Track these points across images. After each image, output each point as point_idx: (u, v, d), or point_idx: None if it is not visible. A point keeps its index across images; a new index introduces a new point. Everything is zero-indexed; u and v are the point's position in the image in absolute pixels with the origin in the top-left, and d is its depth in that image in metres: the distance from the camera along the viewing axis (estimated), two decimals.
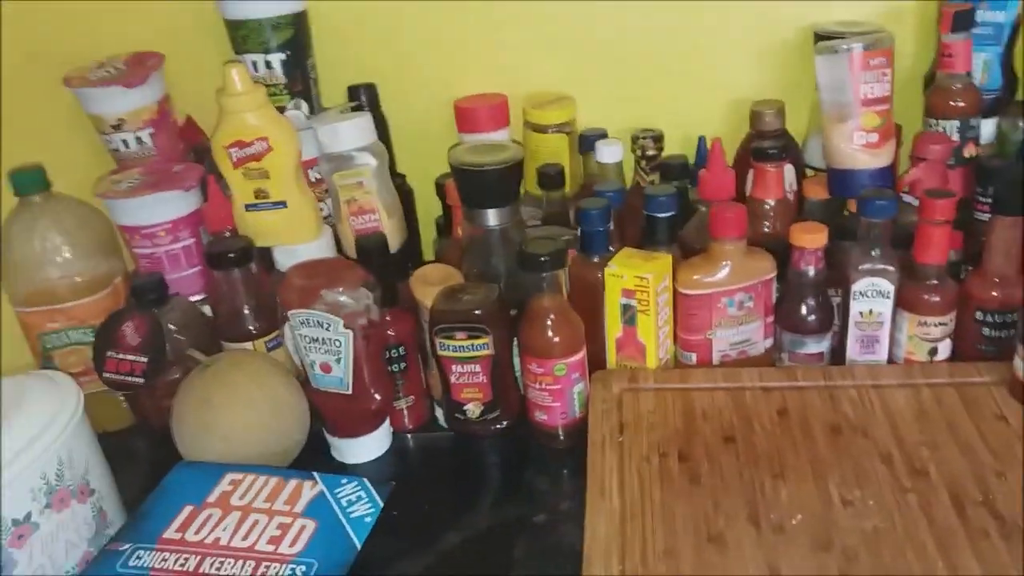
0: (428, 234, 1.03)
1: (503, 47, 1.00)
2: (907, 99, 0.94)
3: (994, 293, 0.79)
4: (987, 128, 0.93)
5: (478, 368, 0.75)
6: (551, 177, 0.91)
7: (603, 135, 0.96)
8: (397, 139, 0.99)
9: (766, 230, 0.88)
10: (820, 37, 0.90)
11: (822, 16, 0.95)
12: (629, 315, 0.80)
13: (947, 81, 0.86)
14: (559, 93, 0.99)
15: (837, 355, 0.84)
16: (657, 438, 0.74)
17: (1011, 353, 0.80)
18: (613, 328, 0.81)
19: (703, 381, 0.81)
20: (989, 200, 0.84)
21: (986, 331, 0.81)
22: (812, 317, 0.82)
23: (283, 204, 0.80)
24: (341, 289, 0.69)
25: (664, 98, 1.01)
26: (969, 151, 0.88)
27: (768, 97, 0.95)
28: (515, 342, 0.79)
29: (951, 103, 0.86)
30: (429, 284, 0.76)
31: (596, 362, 0.82)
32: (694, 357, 0.84)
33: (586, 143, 0.96)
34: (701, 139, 0.98)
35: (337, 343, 0.71)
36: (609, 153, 0.92)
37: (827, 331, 0.83)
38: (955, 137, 0.87)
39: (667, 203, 0.82)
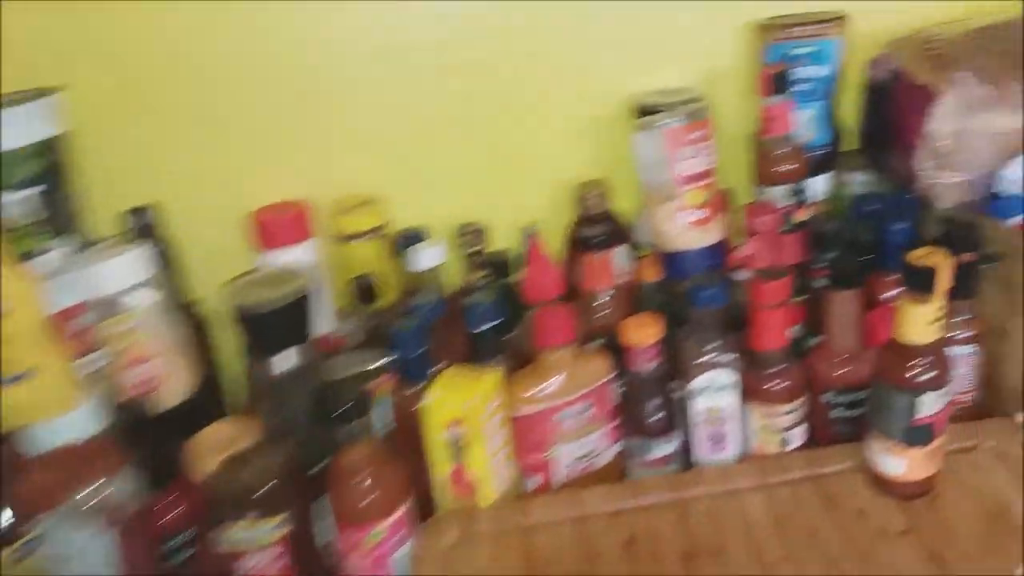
0: (237, 366, 0.92)
1: (300, 148, 0.92)
2: (735, 160, 0.90)
3: (840, 372, 0.75)
4: (820, 185, 0.90)
5: (273, 554, 0.65)
6: (364, 291, 0.83)
7: (419, 236, 0.88)
8: (191, 262, 0.90)
9: (601, 322, 0.83)
10: (639, 110, 0.85)
11: (642, 86, 0.91)
12: (456, 449, 0.72)
13: (771, 146, 0.83)
14: (367, 195, 0.91)
15: (687, 453, 0.79)
16: None
17: (864, 433, 0.76)
18: (440, 466, 0.73)
19: (544, 514, 0.73)
20: (826, 266, 0.81)
21: (837, 412, 0.76)
22: (655, 419, 0.77)
23: (29, 374, 0.69)
24: (94, 483, 0.59)
25: (486, 186, 0.95)
26: (800, 215, 0.85)
27: (596, 176, 0.90)
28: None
29: (777, 169, 0.83)
30: (212, 451, 0.67)
31: (429, 505, 0.74)
32: (536, 480, 0.77)
33: (403, 245, 0.88)
34: (526, 228, 0.91)
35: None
36: (425, 258, 0.84)
37: (672, 431, 0.78)
38: (785, 202, 0.83)
39: (486, 314, 0.75)
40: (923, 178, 0.79)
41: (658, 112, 0.82)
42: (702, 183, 0.80)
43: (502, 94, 0.92)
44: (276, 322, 0.69)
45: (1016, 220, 0.75)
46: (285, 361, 0.70)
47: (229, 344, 0.89)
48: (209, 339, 0.88)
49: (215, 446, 0.67)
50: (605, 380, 0.76)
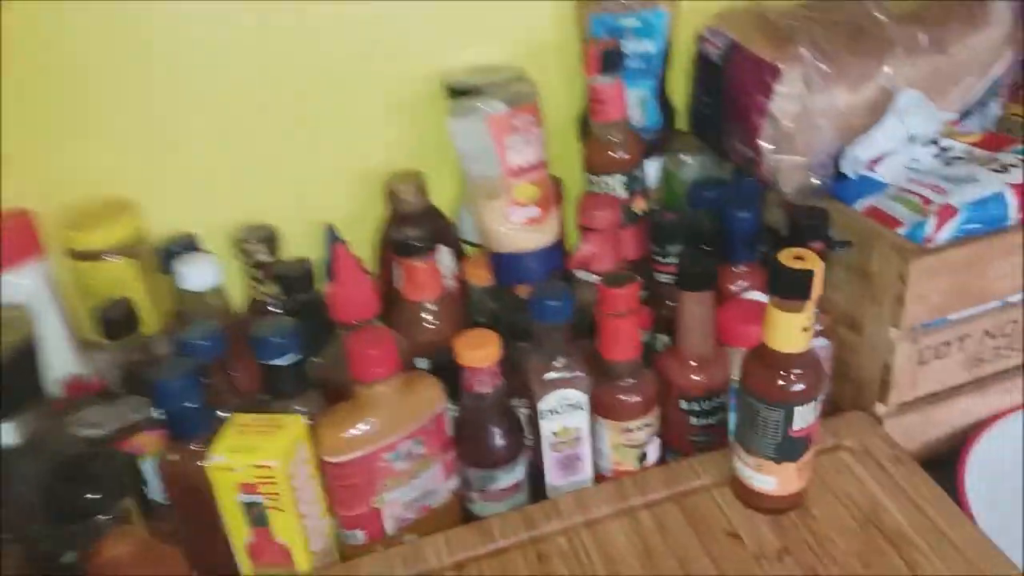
0: None
1: (23, 142, 0.71)
2: (562, 145, 0.81)
3: (695, 378, 0.67)
4: (652, 170, 0.82)
5: None
6: (116, 324, 0.64)
7: (190, 246, 0.71)
8: None
9: (428, 336, 0.70)
10: (453, 91, 0.73)
11: (453, 61, 0.78)
12: (257, 515, 0.57)
13: (603, 131, 0.74)
14: (114, 199, 0.72)
15: (538, 476, 0.69)
16: None
17: (724, 440, 0.70)
18: (239, 534, 0.59)
19: (377, 574, 0.60)
20: (669, 260, 0.73)
21: (694, 420, 0.69)
22: (498, 445, 0.66)
23: None
24: None
25: (276, 181, 0.79)
26: (639, 205, 0.77)
27: (411, 166, 0.77)
28: None
29: (611, 155, 0.74)
30: None
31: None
32: (362, 535, 0.63)
33: (168, 259, 0.71)
34: (328, 229, 0.77)
35: None
36: (196, 277, 0.67)
37: (518, 456, 0.67)
38: (621, 193, 0.75)
39: (282, 344, 0.60)
40: (764, 161, 0.73)
41: (474, 91, 0.70)
42: (534, 175, 0.70)
43: (295, 69, 0.76)
44: None
45: (863, 203, 0.71)
46: (6, 435, 0.51)
47: None
48: None
49: None
50: (437, 410, 0.64)
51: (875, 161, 0.73)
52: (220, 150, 0.76)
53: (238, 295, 0.74)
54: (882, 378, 0.70)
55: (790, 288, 0.54)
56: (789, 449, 0.60)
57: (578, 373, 0.65)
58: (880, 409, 0.71)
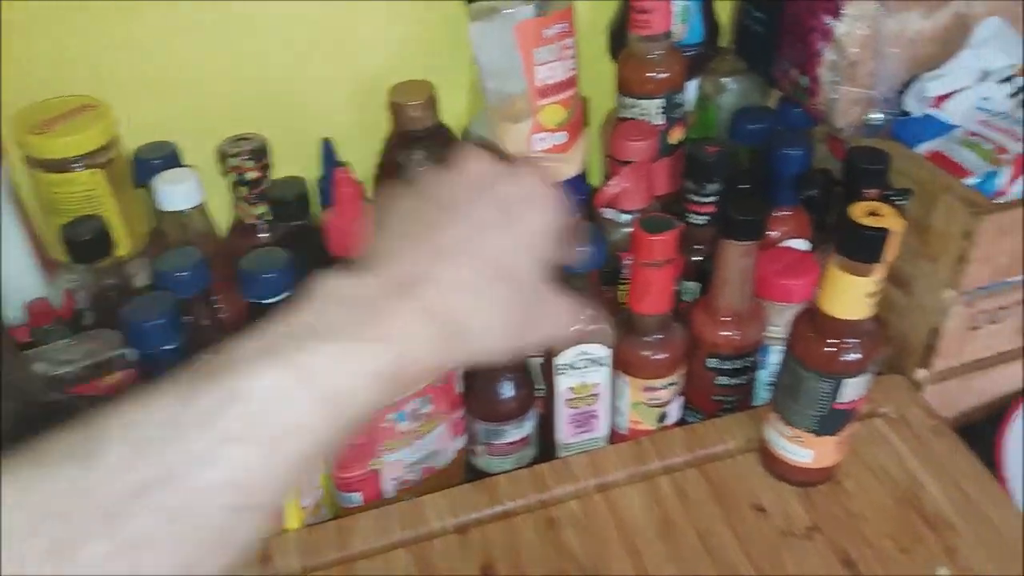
0: None
1: None
2: (588, 58, 0.73)
3: (727, 334, 0.63)
4: (690, 94, 0.76)
5: None
6: (85, 244, 0.58)
7: (168, 159, 0.64)
8: None
9: None
10: None
11: None
12: None
13: (643, 47, 0.67)
14: (81, 101, 0.65)
15: (546, 429, 0.65)
16: None
17: (749, 402, 0.67)
18: None
19: (372, 538, 0.57)
20: (705, 200, 0.68)
21: (721, 379, 0.65)
22: (508, 398, 0.62)
23: None
24: None
25: (263, 85, 0.71)
26: (676, 135, 0.70)
27: (412, 76, 0.69)
28: None
29: (651, 75, 0.67)
30: None
31: None
32: (359, 497, 0.60)
33: (143, 172, 0.64)
34: (325, 145, 0.70)
35: None
36: (176, 194, 0.60)
37: (528, 410, 0.64)
38: (659, 120, 0.69)
39: (274, 282, 0.55)
40: (821, 91, 0.67)
41: None
42: (563, 96, 0.63)
43: None
44: None
45: (926, 146, 0.65)
46: None
47: None
48: None
49: None
50: None
51: (943, 98, 0.67)
52: (202, 47, 0.69)
53: (223, 215, 0.68)
54: (928, 343, 0.66)
55: (861, 248, 0.50)
56: (833, 422, 0.57)
57: (601, 326, 0.61)
58: (920, 375, 0.67)
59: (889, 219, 0.49)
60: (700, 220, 0.69)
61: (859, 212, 0.49)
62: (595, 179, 0.76)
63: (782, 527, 0.59)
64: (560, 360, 0.61)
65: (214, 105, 0.70)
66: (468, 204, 0.38)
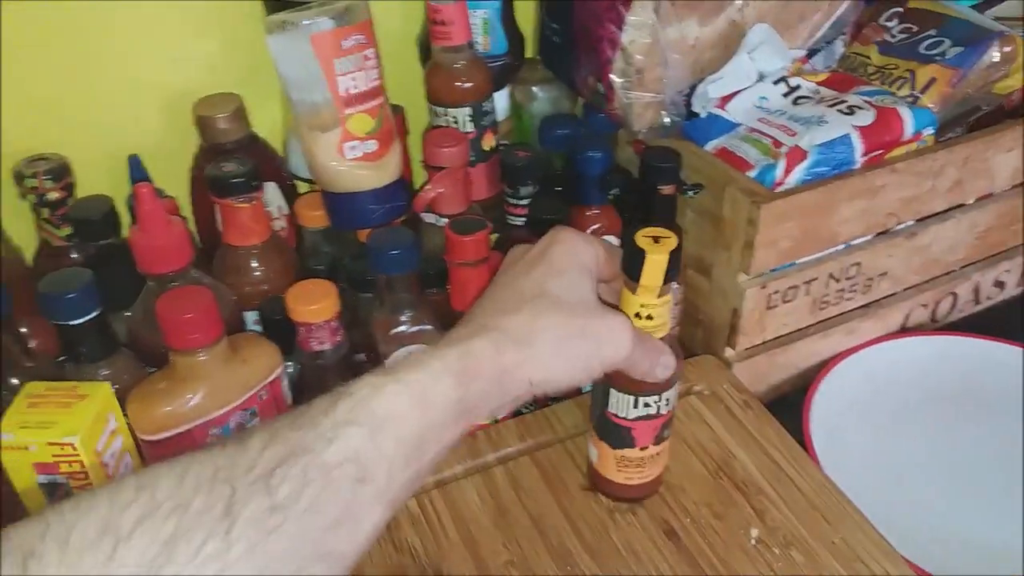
0: None
1: None
2: (403, 68, 0.77)
3: None
4: (501, 102, 0.80)
5: None
6: None
7: None
8: None
9: (256, 286, 0.66)
10: (272, 4, 0.67)
11: None
12: (62, 494, 0.52)
13: (447, 58, 0.71)
14: None
15: None
16: None
17: (577, 391, 0.71)
18: None
19: None
20: (521, 202, 0.72)
21: None
22: None
23: None
24: None
25: (63, 101, 0.70)
26: (488, 142, 0.75)
27: (220, 88, 0.70)
28: None
29: (456, 85, 0.71)
30: None
31: None
32: None
33: None
34: (132, 160, 0.70)
35: None
36: None
37: None
38: (469, 128, 0.73)
39: (77, 302, 0.54)
40: (616, 97, 0.73)
41: (296, 5, 0.65)
42: (370, 105, 0.66)
43: None
44: None
45: (714, 144, 0.72)
46: None
47: None
48: None
49: None
50: (273, 375, 0.60)
51: (726, 99, 0.75)
52: None
53: (26, 240, 0.66)
54: (731, 323, 0.72)
55: (632, 268, 0.50)
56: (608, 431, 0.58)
57: (426, 327, 0.63)
58: (728, 353, 0.74)
59: (663, 246, 0.49)
60: (518, 221, 0.73)
61: (641, 236, 0.50)
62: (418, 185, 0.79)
63: (609, 505, 0.63)
64: (390, 363, 0.63)
65: (19, 127, 0.68)
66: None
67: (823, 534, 0.60)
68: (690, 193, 0.71)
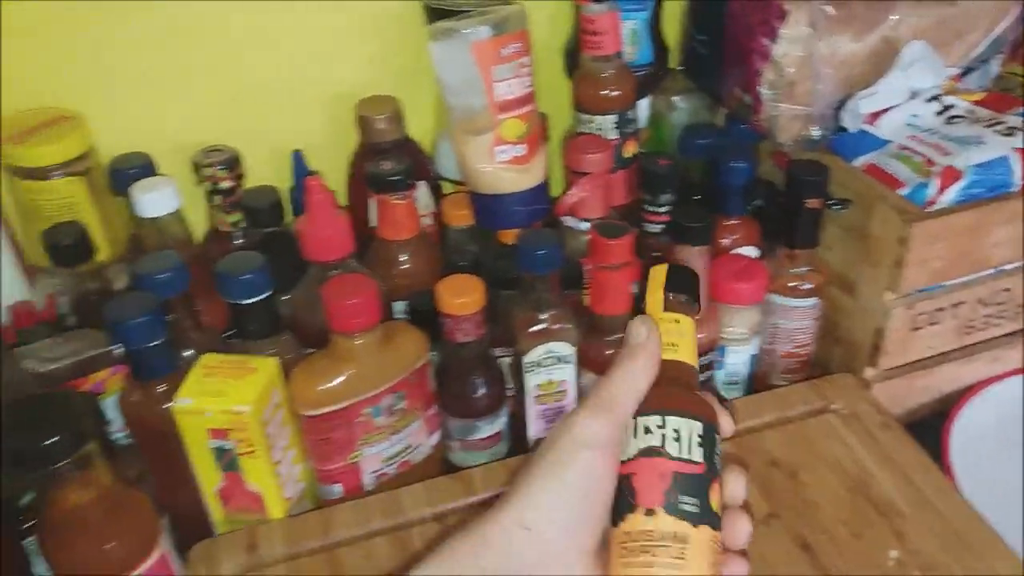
0: None
1: None
2: (546, 77, 0.80)
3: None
4: (642, 111, 0.83)
5: None
6: (66, 250, 0.62)
7: (144, 168, 0.69)
8: None
9: (403, 278, 0.70)
10: (433, 12, 0.72)
11: None
12: (228, 460, 0.57)
13: (596, 67, 0.74)
14: (57, 112, 0.69)
15: (518, 425, 0.71)
16: None
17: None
18: (208, 480, 0.59)
19: (353, 526, 0.61)
20: (660, 210, 0.75)
21: None
22: (480, 396, 0.67)
23: None
24: None
25: (235, 98, 0.76)
26: (630, 149, 0.77)
27: (380, 91, 0.75)
28: None
29: (604, 94, 0.74)
30: None
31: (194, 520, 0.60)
32: (339, 489, 0.64)
33: (119, 181, 0.68)
34: (296, 156, 0.75)
35: None
36: (153, 202, 0.65)
37: (500, 407, 0.69)
38: (612, 135, 0.75)
39: (252, 283, 0.59)
40: (763, 109, 0.75)
41: (457, 14, 0.69)
42: (522, 111, 0.69)
43: None
44: None
45: (862, 160, 0.73)
46: None
47: None
48: None
49: None
50: (420, 364, 0.64)
51: (875, 115, 0.75)
52: (174, 60, 0.74)
53: (198, 223, 0.72)
54: (874, 342, 0.73)
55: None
56: None
57: (565, 325, 0.66)
58: (869, 373, 0.74)
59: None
60: (656, 228, 0.76)
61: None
62: (557, 191, 0.82)
63: None
64: (527, 359, 0.66)
65: (185, 114, 0.76)
66: None
67: (965, 562, 0.59)
68: (837, 208, 0.71)
